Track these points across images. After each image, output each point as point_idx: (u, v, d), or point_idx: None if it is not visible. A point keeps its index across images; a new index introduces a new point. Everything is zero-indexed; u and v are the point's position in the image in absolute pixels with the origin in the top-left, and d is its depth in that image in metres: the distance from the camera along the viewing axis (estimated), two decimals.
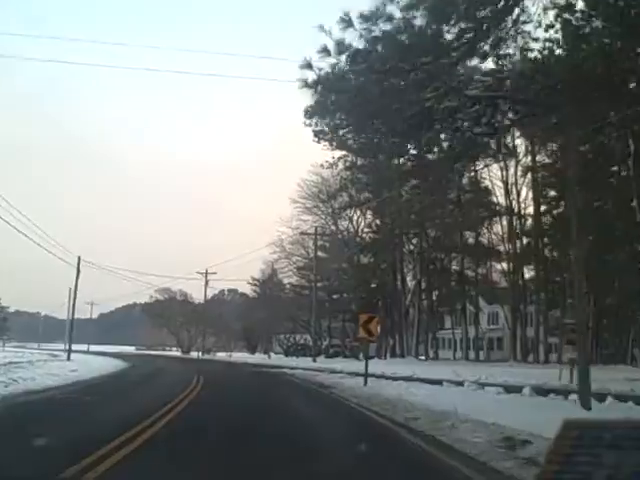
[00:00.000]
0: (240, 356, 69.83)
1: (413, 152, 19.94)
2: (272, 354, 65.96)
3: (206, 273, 69.79)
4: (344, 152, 39.02)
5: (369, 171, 45.36)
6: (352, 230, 56.33)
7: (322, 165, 48.89)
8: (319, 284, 60.83)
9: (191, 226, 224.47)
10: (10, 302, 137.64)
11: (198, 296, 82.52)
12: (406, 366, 32.28)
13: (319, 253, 55.46)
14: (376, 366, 29.62)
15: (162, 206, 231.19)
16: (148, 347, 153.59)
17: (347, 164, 45.27)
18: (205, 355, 70.76)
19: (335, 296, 62.46)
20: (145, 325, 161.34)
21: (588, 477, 1.68)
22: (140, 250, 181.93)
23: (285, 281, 67.24)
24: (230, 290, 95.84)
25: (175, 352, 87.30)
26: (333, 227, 56.90)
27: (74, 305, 54.62)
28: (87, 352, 73.48)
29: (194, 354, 71.92)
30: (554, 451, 1.71)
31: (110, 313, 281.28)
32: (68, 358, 42.39)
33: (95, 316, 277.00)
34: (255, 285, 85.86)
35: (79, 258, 49.15)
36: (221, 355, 71.44)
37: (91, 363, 34.44)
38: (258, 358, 62.70)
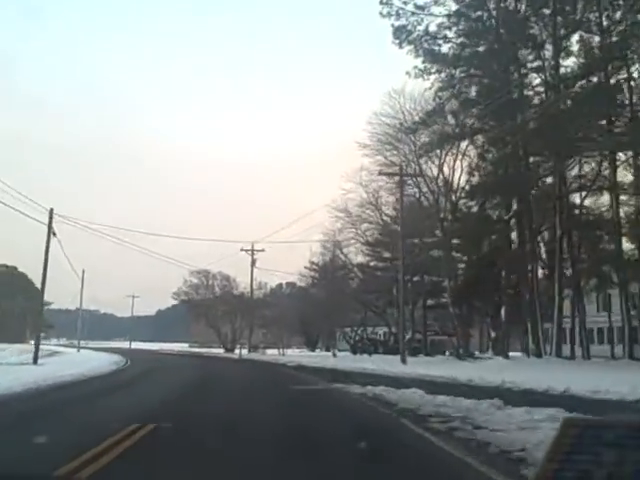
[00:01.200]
0: (296, 354, 54.55)
1: None
2: (337, 352, 49.34)
3: (252, 250, 54.28)
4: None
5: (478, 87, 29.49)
6: (444, 178, 39.31)
7: (408, 74, 32.83)
8: (394, 262, 44.62)
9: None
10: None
11: (243, 280, 66.56)
12: (575, 374, 20.45)
13: (394, 226, 39.71)
14: (514, 373, 20.15)
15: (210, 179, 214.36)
16: (202, 344, 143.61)
17: (442, 79, 29.86)
18: (251, 353, 54.86)
19: (415, 278, 50.33)
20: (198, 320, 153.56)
21: (588, 475, 1.66)
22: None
23: (350, 259, 50.76)
24: (288, 283, 79.48)
25: (219, 350, 71.18)
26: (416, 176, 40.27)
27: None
28: (96, 350, 66.55)
29: (238, 352, 55.63)
30: (554, 449, 1.69)
31: (167, 310, 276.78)
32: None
33: (153, 312, 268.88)
34: (314, 270, 69.39)
35: None
36: (272, 353, 55.40)
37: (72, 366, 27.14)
38: (318, 357, 46.58)
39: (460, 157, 38.80)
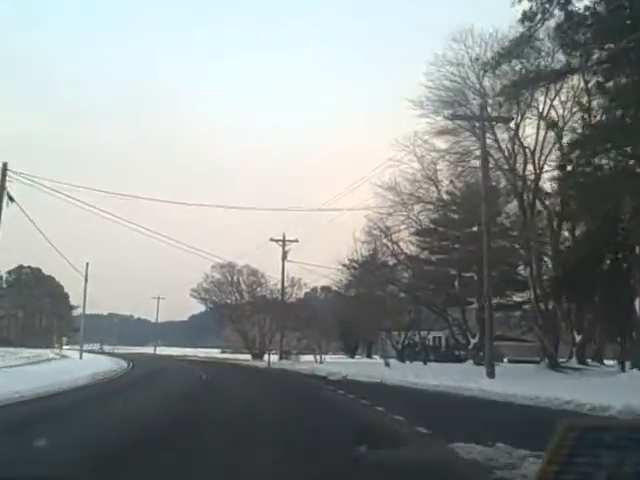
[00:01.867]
0: (335, 362, 44.91)
1: None
2: (387, 360, 40.27)
3: (284, 241, 45.63)
4: None
5: None
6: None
7: None
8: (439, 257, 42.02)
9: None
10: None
11: (273, 275, 57.65)
12: None
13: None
14: None
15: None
16: (234, 350, 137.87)
17: None
18: (283, 360, 45.93)
19: (468, 274, 42.61)
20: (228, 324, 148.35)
21: (588, 477, 1.69)
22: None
23: (401, 248, 41.91)
24: (324, 288, 70.50)
25: (247, 356, 62.38)
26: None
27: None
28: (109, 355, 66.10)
29: (267, 358, 46.65)
30: (554, 452, 1.72)
31: (200, 314, 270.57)
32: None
33: (186, 318, 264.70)
34: (353, 268, 59.44)
35: None
36: (307, 360, 46.22)
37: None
38: (364, 365, 37.49)
39: (560, 99, 29.47)
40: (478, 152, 31.86)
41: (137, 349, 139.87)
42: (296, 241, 50.26)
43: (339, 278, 56.31)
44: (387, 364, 38.26)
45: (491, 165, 33.91)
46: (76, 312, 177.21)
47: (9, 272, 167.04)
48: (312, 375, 30.69)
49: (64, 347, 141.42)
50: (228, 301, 64.60)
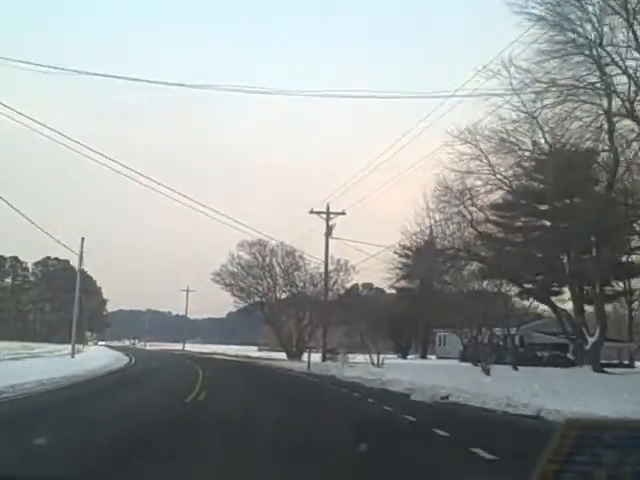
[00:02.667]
0: (394, 364, 35.46)
1: None
2: (487, 366, 29.31)
3: (327, 213, 35.91)
4: None
5: None
6: None
7: None
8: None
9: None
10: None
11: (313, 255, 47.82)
12: None
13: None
14: None
15: None
16: (272, 347, 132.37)
17: None
18: (327, 361, 35.83)
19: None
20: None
21: (588, 477, 1.67)
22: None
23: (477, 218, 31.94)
24: (365, 284, 60.94)
25: (282, 354, 52.56)
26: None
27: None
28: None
29: (307, 359, 36.21)
30: (554, 451, 1.69)
31: (238, 310, 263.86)
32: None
33: (224, 315, 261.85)
34: (406, 256, 53.77)
35: None
36: (358, 361, 35.85)
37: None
38: (439, 370, 27.93)
39: None
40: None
41: (170, 345, 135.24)
42: (343, 213, 40.25)
43: (392, 266, 46.58)
44: (487, 371, 27.38)
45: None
46: (111, 307, 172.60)
47: (35, 264, 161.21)
48: (383, 390, 20.36)
49: (90, 343, 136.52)
50: (259, 288, 54.07)
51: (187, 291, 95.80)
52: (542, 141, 29.18)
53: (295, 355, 48.66)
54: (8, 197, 29.69)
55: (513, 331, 41.89)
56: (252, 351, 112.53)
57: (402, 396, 17.82)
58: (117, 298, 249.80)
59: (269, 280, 53.00)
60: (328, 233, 40.56)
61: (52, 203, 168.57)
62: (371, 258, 44.34)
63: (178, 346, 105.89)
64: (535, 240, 34.91)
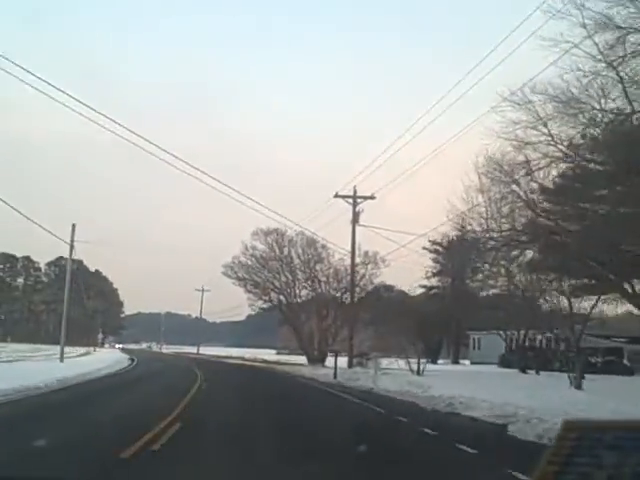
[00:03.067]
0: (434, 371, 33.68)
1: None
2: (579, 377, 23.65)
3: (355, 197, 31.10)
4: None
5: None
6: None
7: None
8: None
9: None
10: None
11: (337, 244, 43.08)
12: None
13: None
14: None
15: None
16: (291, 351, 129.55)
17: None
18: (356, 367, 30.60)
19: None
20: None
21: (588, 478, 1.67)
22: None
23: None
24: (387, 287, 55.93)
25: (303, 358, 47.59)
26: None
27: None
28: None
29: (333, 364, 30.66)
30: (554, 452, 1.69)
31: (257, 315, 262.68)
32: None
33: (243, 317, 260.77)
34: (439, 249, 52.94)
35: None
36: (392, 368, 30.41)
37: None
38: (495, 379, 23.92)
39: None
40: None
41: (187, 349, 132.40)
42: (372, 198, 35.19)
43: (424, 263, 42.21)
44: (578, 385, 21.71)
45: None
46: (130, 310, 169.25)
47: (48, 264, 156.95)
48: (455, 415, 14.49)
49: (107, 345, 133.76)
50: (276, 282, 48.56)
51: (202, 290, 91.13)
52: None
53: (317, 360, 43.48)
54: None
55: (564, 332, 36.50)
56: (270, 354, 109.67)
57: (500, 430, 11.55)
58: (136, 301, 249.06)
59: (287, 274, 47.58)
60: (355, 220, 35.38)
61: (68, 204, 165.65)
62: (402, 249, 39.13)
63: (195, 349, 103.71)
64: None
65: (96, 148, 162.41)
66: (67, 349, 73.33)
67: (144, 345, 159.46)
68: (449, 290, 54.74)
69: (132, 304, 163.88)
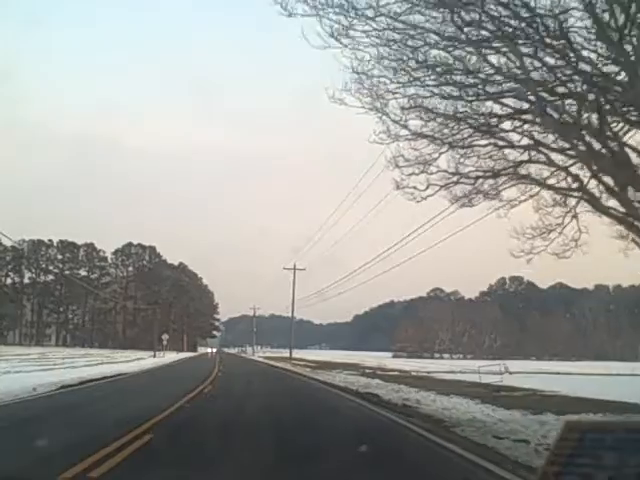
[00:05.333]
0: None
1: None
2: None
3: None
4: None
5: None
6: None
7: None
8: None
9: None
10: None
11: None
12: None
13: None
14: None
15: None
16: (410, 354, 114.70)
17: None
18: None
19: None
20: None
21: (589, 478, 1.66)
22: None
23: None
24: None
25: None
26: None
27: None
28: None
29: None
30: (556, 452, 1.71)
31: (365, 314, 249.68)
32: None
33: (349, 319, 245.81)
34: None
35: None
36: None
37: None
38: None
39: None
40: None
41: (286, 352, 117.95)
42: None
43: None
44: None
45: None
46: (232, 313, 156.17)
47: (115, 252, 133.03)
48: None
49: (201, 348, 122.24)
50: None
51: (294, 269, 73.95)
52: None
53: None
54: None
55: None
56: (385, 358, 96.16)
57: None
58: (240, 304, 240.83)
59: None
60: None
61: None
62: None
63: (297, 353, 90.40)
64: None
65: None
66: (138, 354, 61.63)
67: (235, 349, 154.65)
68: None
69: (235, 307, 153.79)
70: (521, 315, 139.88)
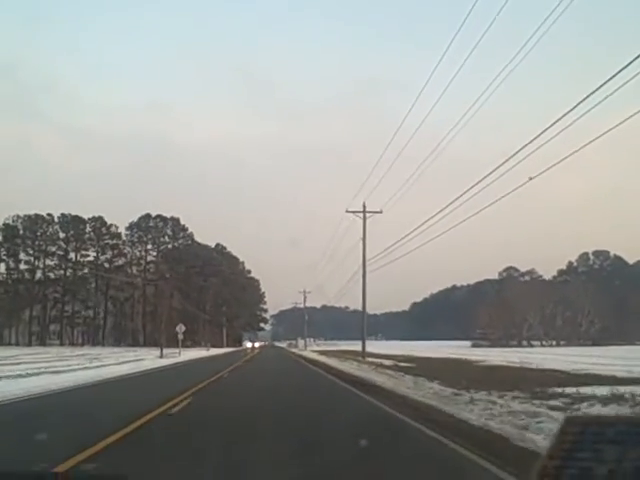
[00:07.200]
0: None
1: None
2: None
3: None
4: None
5: None
6: None
7: None
8: None
9: None
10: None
11: None
12: None
13: None
14: None
15: None
16: (493, 342, 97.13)
17: None
18: None
19: None
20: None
21: (589, 472, 1.66)
22: None
23: None
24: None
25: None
26: None
27: None
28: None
29: None
30: (555, 446, 1.69)
31: (424, 301, 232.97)
32: None
33: (406, 307, 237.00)
34: None
35: None
36: None
37: None
38: None
39: None
40: None
41: (343, 345, 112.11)
42: None
43: None
44: None
45: None
46: (286, 305, 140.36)
47: (129, 227, 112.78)
48: None
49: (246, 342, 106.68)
50: None
51: (364, 216, 55.24)
52: None
53: None
54: None
55: None
56: (465, 348, 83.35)
57: None
58: (291, 296, 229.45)
59: None
60: None
61: None
62: None
63: (355, 346, 73.92)
64: None
65: None
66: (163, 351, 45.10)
67: (285, 343, 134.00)
68: None
69: (290, 299, 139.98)
70: (618, 294, 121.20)
